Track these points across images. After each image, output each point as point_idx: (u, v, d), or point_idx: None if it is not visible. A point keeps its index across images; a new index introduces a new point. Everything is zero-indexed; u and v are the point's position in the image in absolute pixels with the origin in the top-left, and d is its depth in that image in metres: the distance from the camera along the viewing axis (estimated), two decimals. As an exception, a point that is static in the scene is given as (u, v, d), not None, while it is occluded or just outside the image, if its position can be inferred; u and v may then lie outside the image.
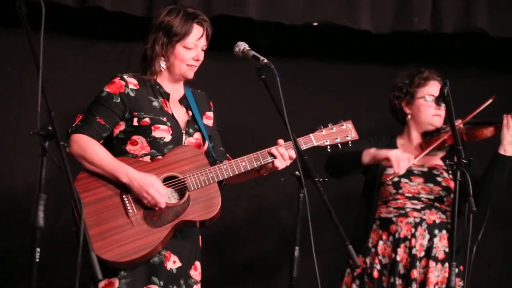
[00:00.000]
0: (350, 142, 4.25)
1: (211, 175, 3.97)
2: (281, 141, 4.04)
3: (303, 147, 4.10)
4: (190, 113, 4.15)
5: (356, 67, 5.41)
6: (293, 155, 4.03)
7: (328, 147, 4.20)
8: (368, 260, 4.89)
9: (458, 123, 4.84)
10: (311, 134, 4.15)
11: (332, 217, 3.60)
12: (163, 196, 3.89)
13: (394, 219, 4.87)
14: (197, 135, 4.13)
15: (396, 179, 4.87)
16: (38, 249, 2.98)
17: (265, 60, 3.82)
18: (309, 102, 5.80)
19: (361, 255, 4.87)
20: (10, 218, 5.21)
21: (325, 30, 5.56)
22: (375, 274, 4.86)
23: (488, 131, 4.88)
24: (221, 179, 4.00)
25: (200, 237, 4.18)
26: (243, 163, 4.02)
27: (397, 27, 5.46)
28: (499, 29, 5.53)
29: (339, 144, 4.23)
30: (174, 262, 3.99)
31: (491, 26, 5.52)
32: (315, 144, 4.15)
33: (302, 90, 5.77)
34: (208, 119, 4.24)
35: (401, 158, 4.64)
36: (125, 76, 4.05)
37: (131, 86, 4.02)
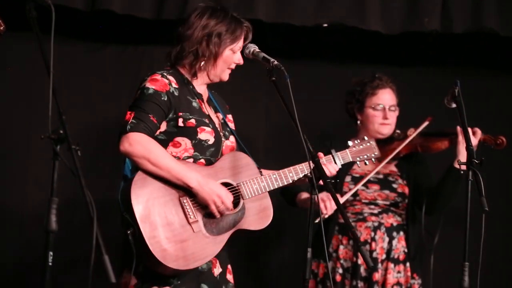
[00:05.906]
0: (373, 159, 4.36)
1: (263, 184, 3.94)
2: (321, 155, 4.02)
3: (341, 161, 4.16)
4: (220, 115, 4.07)
5: (367, 68, 5.38)
6: (337, 168, 4.11)
7: (358, 163, 4.29)
8: (330, 265, 4.95)
9: (411, 132, 4.97)
10: (347, 150, 4.22)
11: (345, 219, 3.60)
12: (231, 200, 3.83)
13: (353, 224, 4.91)
14: (232, 138, 4.06)
15: (353, 186, 4.93)
16: (51, 253, 2.98)
17: (275, 62, 3.79)
18: (319, 103, 5.78)
19: (322, 261, 4.92)
20: (22, 222, 5.21)
21: (336, 31, 5.55)
22: (338, 277, 4.93)
23: (443, 144, 4.99)
24: (272, 189, 3.97)
25: None
26: (290, 174, 4.00)
27: (408, 28, 5.46)
28: (509, 28, 5.51)
29: (365, 161, 4.33)
30: (218, 268, 3.91)
31: (501, 26, 5.50)
32: (351, 160, 4.24)
33: (312, 92, 5.76)
34: (230, 122, 4.16)
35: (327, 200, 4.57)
36: (165, 74, 3.87)
37: (173, 84, 3.87)
